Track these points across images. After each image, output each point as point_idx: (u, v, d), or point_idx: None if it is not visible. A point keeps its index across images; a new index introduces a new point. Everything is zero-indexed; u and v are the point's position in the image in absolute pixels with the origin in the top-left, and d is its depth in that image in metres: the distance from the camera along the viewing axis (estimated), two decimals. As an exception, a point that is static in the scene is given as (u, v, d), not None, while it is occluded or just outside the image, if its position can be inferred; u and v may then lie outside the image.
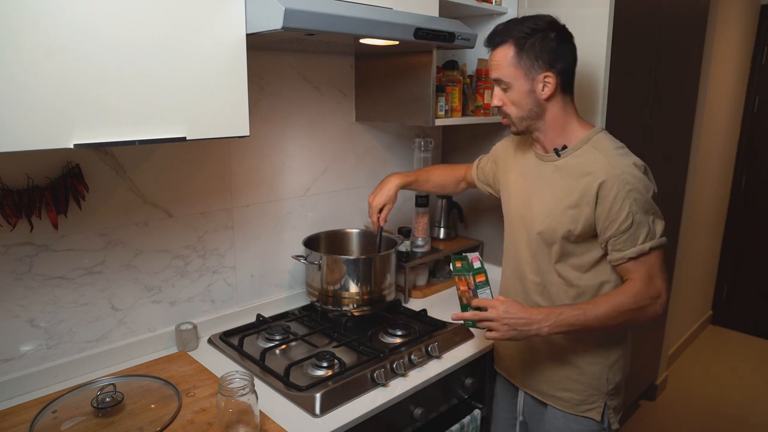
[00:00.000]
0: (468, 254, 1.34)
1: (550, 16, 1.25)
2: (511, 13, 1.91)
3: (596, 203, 1.21)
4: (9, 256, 1.22)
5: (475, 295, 1.29)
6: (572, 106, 1.29)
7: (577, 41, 1.60)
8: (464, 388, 1.58)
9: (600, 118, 1.76)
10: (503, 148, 1.52)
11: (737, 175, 3.86)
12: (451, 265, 1.35)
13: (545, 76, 1.22)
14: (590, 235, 1.25)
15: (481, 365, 1.61)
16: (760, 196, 3.77)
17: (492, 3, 1.87)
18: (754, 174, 3.79)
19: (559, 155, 1.29)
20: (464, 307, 1.32)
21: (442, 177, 1.71)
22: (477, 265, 1.31)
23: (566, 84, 1.25)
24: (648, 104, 2.24)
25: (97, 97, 0.97)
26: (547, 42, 1.20)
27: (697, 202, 3.17)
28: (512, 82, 1.24)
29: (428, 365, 1.46)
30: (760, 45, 3.65)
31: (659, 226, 1.21)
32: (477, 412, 1.60)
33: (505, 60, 1.23)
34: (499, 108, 1.31)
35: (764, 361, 3.58)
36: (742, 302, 3.93)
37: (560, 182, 1.27)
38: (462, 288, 1.32)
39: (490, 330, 1.23)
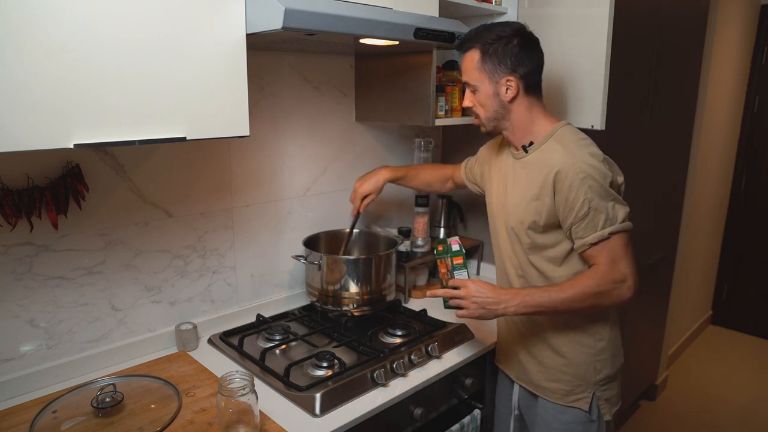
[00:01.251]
0: (449, 238, 1.40)
1: (517, 24, 1.31)
2: (511, 13, 1.91)
3: (554, 193, 1.25)
4: (9, 256, 1.23)
5: (452, 276, 1.36)
6: (538, 105, 1.34)
7: (577, 41, 1.60)
8: (464, 388, 1.58)
9: (600, 118, 1.76)
10: (488, 149, 1.57)
11: (737, 175, 3.86)
12: (435, 250, 1.41)
13: (507, 80, 1.28)
14: (555, 225, 1.29)
15: (481, 365, 1.61)
16: (760, 196, 3.77)
17: (492, 3, 1.87)
18: (754, 174, 3.79)
19: (526, 151, 1.34)
20: (444, 288, 1.36)
21: (430, 175, 1.75)
22: (455, 248, 1.38)
23: (530, 86, 1.31)
24: (648, 104, 2.24)
25: (97, 97, 0.97)
26: (509, 48, 1.27)
27: (697, 202, 3.17)
28: (478, 85, 1.32)
29: (428, 365, 1.46)
30: (760, 45, 3.65)
31: (621, 212, 1.24)
32: (477, 412, 1.60)
33: (471, 64, 1.31)
34: (470, 109, 1.38)
35: (764, 361, 3.58)
36: (742, 302, 3.93)
37: (527, 177, 1.33)
38: (442, 270, 1.40)
39: (460, 308, 1.29)
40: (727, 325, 4.02)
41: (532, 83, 1.31)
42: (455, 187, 1.76)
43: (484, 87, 1.31)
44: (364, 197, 1.68)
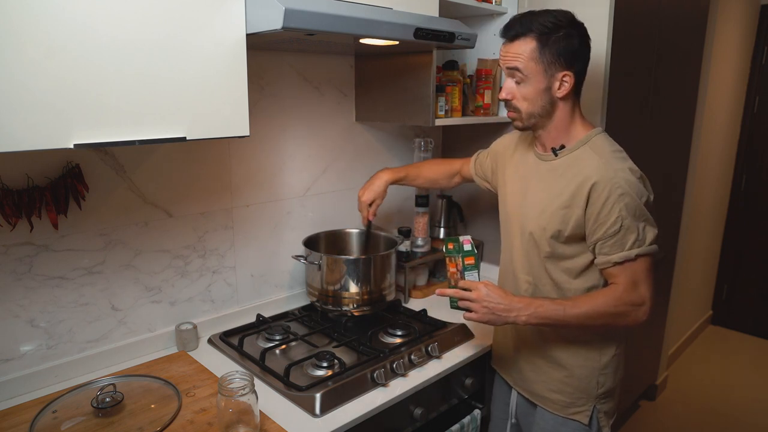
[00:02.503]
0: (460, 237, 1.36)
1: (570, 13, 1.21)
2: (512, 13, 1.91)
3: (587, 204, 1.20)
4: (9, 256, 1.23)
5: (462, 277, 1.31)
6: (578, 108, 1.28)
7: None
8: (464, 388, 1.58)
9: (600, 118, 1.76)
10: (503, 144, 1.51)
11: (737, 175, 3.86)
12: (443, 246, 1.37)
13: (564, 75, 1.20)
14: (580, 237, 1.24)
15: (481, 365, 1.61)
16: (760, 196, 3.77)
17: (492, 3, 1.87)
18: (754, 174, 3.79)
19: (556, 155, 1.28)
20: (452, 288, 1.32)
21: (434, 172, 1.70)
22: (467, 247, 1.33)
23: (579, 85, 1.25)
24: (648, 104, 2.24)
25: (97, 97, 0.97)
26: (570, 40, 1.18)
27: (697, 202, 3.17)
28: (530, 76, 1.21)
29: (428, 365, 1.46)
30: (760, 45, 3.65)
31: (650, 234, 1.19)
32: (477, 412, 1.60)
33: (525, 52, 1.19)
34: (507, 102, 1.27)
35: (764, 361, 3.58)
36: (742, 302, 3.93)
37: (554, 182, 1.27)
38: (451, 269, 1.35)
39: (469, 311, 1.25)
40: (727, 325, 4.02)
41: (581, 82, 1.24)
42: (462, 181, 1.71)
43: (536, 80, 1.20)
44: (370, 204, 1.64)
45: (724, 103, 3.36)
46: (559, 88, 1.21)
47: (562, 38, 1.18)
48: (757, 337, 3.87)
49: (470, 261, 1.33)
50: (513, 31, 1.22)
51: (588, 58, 1.24)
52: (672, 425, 2.88)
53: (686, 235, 3.00)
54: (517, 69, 1.22)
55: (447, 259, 1.35)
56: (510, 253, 1.41)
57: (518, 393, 1.47)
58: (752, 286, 3.87)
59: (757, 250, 3.81)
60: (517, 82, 1.24)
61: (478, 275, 1.32)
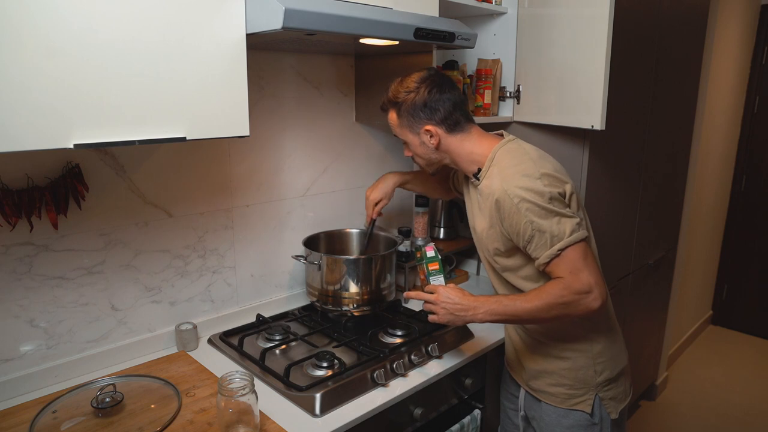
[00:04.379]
0: (424, 244, 1.45)
1: (423, 73, 1.33)
2: (511, 13, 1.91)
3: (501, 221, 1.27)
4: (9, 256, 1.23)
5: (429, 282, 1.42)
6: (470, 136, 1.34)
7: (577, 41, 1.59)
8: (464, 388, 1.58)
9: (600, 118, 1.76)
10: (462, 180, 1.57)
11: (737, 176, 3.86)
12: (415, 257, 1.48)
13: (426, 129, 1.32)
14: (516, 248, 1.30)
15: (481, 365, 1.61)
16: (760, 196, 3.77)
17: (492, 3, 1.87)
18: (754, 174, 3.79)
19: (478, 179, 1.34)
20: None
21: (437, 182, 1.74)
22: (430, 254, 1.43)
23: (452, 126, 1.32)
24: (648, 104, 2.24)
25: (97, 97, 0.97)
26: (418, 99, 1.30)
27: (697, 202, 3.17)
28: (405, 139, 1.38)
29: (428, 365, 1.46)
30: (760, 45, 3.65)
31: (568, 225, 1.21)
32: (477, 412, 1.60)
33: (393, 122, 1.38)
34: (412, 158, 1.43)
35: (764, 361, 3.58)
36: (742, 302, 3.93)
37: (482, 205, 1.34)
38: (422, 276, 1.47)
39: (432, 313, 1.32)
40: (727, 325, 4.02)
41: (453, 123, 1.32)
42: (459, 195, 1.74)
43: (410, 139, 1.36)
44: (376, 204, 1.69)
45: (724, 103, 3.36)
46: (430, 139, 1.33)
47: (411, 100, 1.31)
48: (757, 337, 3.87)
49: (434, 266, 1.43)
50: (381, 107, 1.40)
51: (449, 102, 1.31)
52: (672, 425, 2.88)
53: (686, 235, 3.00)
54: (397, 135, 1.39)
55: (418, 268, 1.47)
56: (487, 270, 1.48)
57: (525, 390, 1.50)
58: (752, 286, 3.87)
59: (757, 251, 3.81)
60: (405, 144, 1.40)
61: (443, 279, 1.40)
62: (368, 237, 1.77)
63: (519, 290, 1.36)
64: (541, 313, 1.23)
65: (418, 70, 1.36)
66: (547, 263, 1.22)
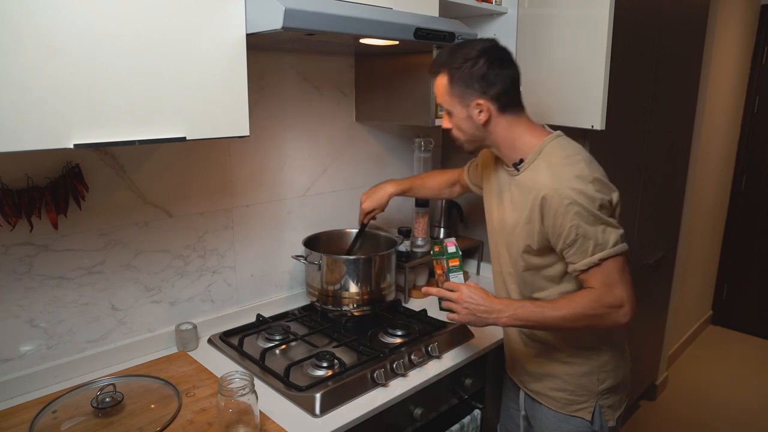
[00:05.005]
0: (446, 239, 1.39)
1: (486, 42, 1.26)
2: (512, 13, 1.91)
3: (542, 218, 1.22)
4: (9, 256, 1.23)
5: (447, 278, 1.36)
6: (520, 121, 1.28)
7: (577, 41, 1.59)
8: (464, 388, 1.58)
9: (600, 118, 1.76)
10: (485, 156, 1.52)
11: (737, 176, 3.86)
12: (431, 250, 1.42)
13: (477, 103, 1.24)
14: (549, 248, 1.26)
15: (481, 365, 1.61)
16: (760, 196, 3.77)
17: (492, 3, 1.87)
18: (754, 174, 3.79)
19: (518, 170, 1.29)
20: None
21: (437, 182, 1.73)
22: (451, 249, 1.38)
23: (505, 105, 1.25)
24: (648, 104, 2.24)
25: (97, 97, 0.97)
26: (476, 70, 1.22)
27: (697, 202, 3.17)
28: (451, 108, 1.28)
29: (428, 365, 1.46)
30: (760, 45, 3.65)
31: (612, 236, 1.18)
32: (477, 412, 1.60)
33: (441, 89, 1.27)
34: (450, 130, 1.34)
35: (764, 361, 3.58)
36: (742, 302, 3.93)
37: (519, 198, 1.29)
38: (438, 272, 1.41)
39: (451, 311, 1.27)
40: (727, 325, 4.02)
41: (507, 102, 1.25)
42: (463, 191, 1.72)
43: (456, 111, 1.27)
44: (368, 212, 1.68)
45: (724, 103, 3.36)
46: (479, 115, 1.24)
47: (468, 69, 1.22)
48: (757, 337, 3.87)
49: (454, 263, 1.37)
50: (431, 69, 1.30)
51: (508, 79, 1.24)
52: (672, 425, 2.88)
53: (686, 235, 3.00)
54: (441, 104, 1.30)
55: (434, 262, 1.42)
56: (498, 264, 1.43)
57: (525, 392, 1.49)
58: (752, 286, 3.87)
59: (757, 250, 3.81)
60: (449, 114, 1.31)
61: (463, 276, 1.36)
62: (357, 238, 1.77)
63: (535, 289, 1.33)
64: (567, 323, 1.21)
65: (473, 41, 1.27)
66: (584, 270, 1.19)
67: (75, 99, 0.94)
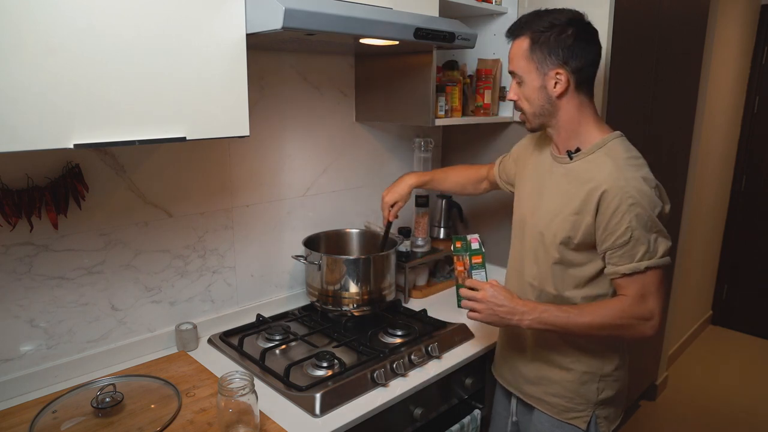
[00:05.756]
0: (469, 235, 1.37)
1: (575, 12, 1.20)
2: (511, 13, 1.91)
3: (596, 212, 1.17)
4: (9, 256, 1.22)
5: (469, 275, 1.33)
6: (590, 108, 1.24)
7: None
8: (464, 388, 1.58)
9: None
10: (523, 146, 1.49)
11: (737, 176, 3.86)
12: (452, 245, 1.39)
13: (557, 73, 1.18)
14: (590, 244, 1.21)
15: (481, 365, 1.61)
16: (760, 197, 3.77)
17: (492, 3, 1.87)
18: (754, 174, 3.79)
19: (571, 158, 1.25)
20: (459, 287, 1.34)
21: (462, 176, 1.69)
22: (475, 246, 1.35)
23: (582, 82, 1.20)
24: (648, 104, 2.24)
25: (97, 97, 0.97)
26: (562, 38, 1.16)
27: (697, 202, 3.17)
28: (524, 75, 1.22)
29: (428, 365, 1.46)
30: (760, 45, 3.65)
31: (662, 246, 1.15)
32: (477, 412, 1.60)
33: (519, 52, 1.21)
34: (514, 103, 1.28)
35: (764, 361, 3.58)
36: (742, 302, 3.93)
37: (567, 186, 1.24)
38: (459, 268, 1.37)
39: (473, 310, 1.24)
40: (727, 325, 4.02)
41: (584, 79, 1.20)
42: (490, 187, 1.67)
43: (530, 78, 1.20)
44: (392, 206, 1.65)
45: (724, 103, 3.36)
46: (554, 86, 1.19)
47: (554, 35, 1.17)
48: (757, 337, 3.87)
49: (477, 260, 1.34)
50: (513, 31, 1.24)
51: (591, 56, 1.20)
52: (672, 425, 2.88)
53: (686, 235, 3.00)
54: (514, 70, 1.24)
55: (455, 258, 1.37)
56: (519, 253, 1.38)
57: (517, 397, 1.46)
58: (752, 286, 3.87)
59: (757, 250, 3.81)
60: (518, 83, 1.24)
61: (485, 275, 1.33)
62: (384, 239, 1.74)
63: (552, 292, 1.28)
64: (593, 330, 1.19)
65: (561, 9, 1.21)
66: (627, 275, 1.16)
67: (75, 97, 0.94)
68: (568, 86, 1.19)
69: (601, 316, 1.18)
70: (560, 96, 1.20)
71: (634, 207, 1.13)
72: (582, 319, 1.18)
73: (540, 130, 1.31)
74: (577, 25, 1.18)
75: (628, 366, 1.39)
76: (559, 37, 1.17)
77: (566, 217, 1.22)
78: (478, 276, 1.32)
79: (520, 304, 1.21)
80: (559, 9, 1.22)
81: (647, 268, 1.15)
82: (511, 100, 1.28)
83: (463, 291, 1.27)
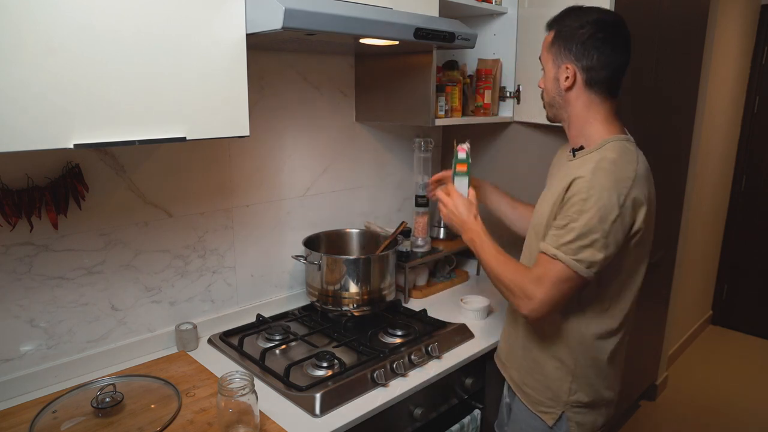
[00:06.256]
0: (460, 143, 1.45)
1: (604, 14, 1.22)
2: (511, 13, 1.91)
3: (563, 199, 1.18)
4: (9, 256, 1.22)
5: (452, 181, 1.45)
6: (601, 108, 1.24)
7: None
8: (464, 388, 1.58)
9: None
10: (557, 155, 1.49)
11: (737, 176, 3.86)
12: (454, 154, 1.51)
13: (566, 67, 1.23)
14: None
15: (481, 365, 1.61)
16: (760, 197, 3.77)
17: (492, 3, 1.87)
18: (754, 174, 3.80)
19: (574, 155, 1.27)
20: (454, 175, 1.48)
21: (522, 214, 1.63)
22: (461, 156, 1.44)
23: (593, 82, 1.22)
24: (648, 104, 2.24)
25: (97, 97, 0.97)
26: (579, 34, 1.21)
27: (697, 202, 3.17)
28: (545, 65, 1.29)
29: (428, 365, 1.46)
30: (760, 45, 3.65)
31: (587, 253, 1.12)
32: (477, 412, 1.60)
33: (545, 43, 1.29)
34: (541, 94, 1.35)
35: (764, 361, 3.58)
36: (742, 302, 3.93)
37: (559, 183, 1.24)
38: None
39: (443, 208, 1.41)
40: (727, 325, 4.02)
41: (596, 80, 1.21)
42: None
43: (548, 69, 1.28)
44: (437, 180, 1.61)
45: (724, 103, 3.36)
46: (564, 80, 1.24)
47: (572, 30, 1.22)
48: (757, 337, 3.87)
49: (461, 168, 1.44)
50: (547, 22, 1.30)
51: (606, 58, 1.20)
52: (672, 425, 2.88)
53: (686, 235, 3.00)
54: (540, 59, 1.31)
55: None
56: (525, 251, 1.40)
57: (507, 380, 1.47)
58: (752, 286, 3.87)
59: (757, 251, 3.81)
60: (542, 71, 1.31)
61: (468, 182, 1.43)
62: (394, 238, 1.74)
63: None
64: (491, 275, 1.28)
65: (595, 8, 1.24)
66: (541, 252, 1.18)
67: (75, 97, 0.94)
68: (574, 82, 1.23)
69: (502, 269, 1.25)
70: (568, 90, 1.25)
71: (588, 201, 1.12)
72: (491, 260, 1.28)
73: (555, 121, 1.35)
74: (599, 25, 1.20)
75: (627, 365, 1.39)
76: (576, 33, 1.21)
77: (550, 215, 1.24)
78: (459, 182, 1.43)
79: (470, 220, 1.35)
80: (594, 8, 1.26)
81: (556, 258, 1.14)
82: (539, 87, 1.35)
83: (438, 192, 1.44)
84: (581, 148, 1.26)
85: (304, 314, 1.72)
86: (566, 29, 1.23)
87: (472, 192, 1.42)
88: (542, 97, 1.34)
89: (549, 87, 1.29)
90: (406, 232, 1.91)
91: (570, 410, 1.30)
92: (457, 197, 1.39)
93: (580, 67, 1.22)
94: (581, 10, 1.25)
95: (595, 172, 1.14)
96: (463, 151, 1.43)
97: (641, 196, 1.16)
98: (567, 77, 1.23)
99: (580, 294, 1.22)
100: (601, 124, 1.24)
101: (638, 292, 1.30)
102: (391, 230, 1.93)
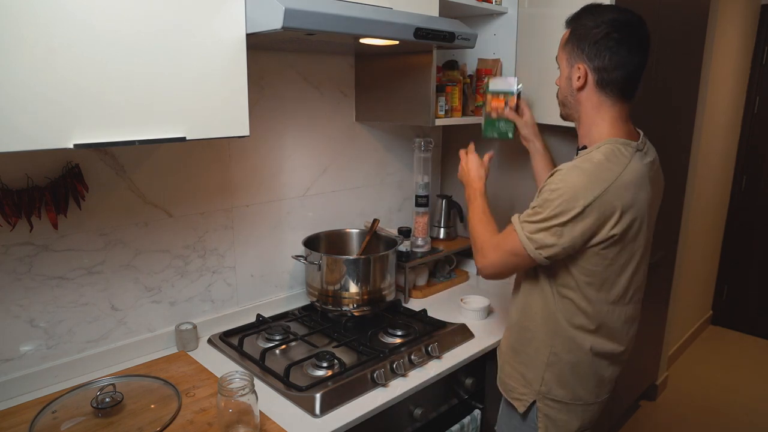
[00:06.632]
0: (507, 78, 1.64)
1: (621, 14, 1.20)
2: (511, 13, 1.91)
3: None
4: (9, 256, 1.22)
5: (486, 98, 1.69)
6: (611, 110, 1.23)
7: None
8: (464, 388, 1.58)
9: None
10: None
11: (737, 176, 3.86)
12: (484, 86, 1.69)
13: (578, 66, 1.23)
14: None
15: (481, 365, 1.61)
16: (760, 197, 3.77)
17: (492, 3, 1.87)
18: (754, 174, 3.79)
19: (577, 154, 1.26)
20: (489, 122, 1.72)
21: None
22: (505, 87, 1.67)
23: (606, 84, 1.21)
24: (648, 104, 2.24)
25: (98, 97, 0.97)
26: (592, 34, 1.20)
27: (697, 202, 3.17)
28: (560, 63, 1.30)
29: (428, 365, 1.46)
30: (760, 45, 3.65)
31: (540, 236, 1.15)
32: (477, 412, 1.60)
33: (561, 42, 1.29)
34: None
35: (764, 361, 3.58)
36: (742, 302, 3.93)
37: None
38: (493, 104, 1.70)
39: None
40: (727, 325, 4.02)
41: (609, 81, 1.20)
42: None
43: (562, 67, 1.28)
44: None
45: (724, 103, 3.36)
46: (577, 80, 1.24)
47: (587, 30, 1.21)
48: (757, 337, 3.87)
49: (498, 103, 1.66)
50: (566, 21, 1.30)
51: (620, 59, 1.18)
52: (672, 425, 2.88)
53: (686, 235, 3.00)
54: (556, 57, 1.31)
55: (490, 96, 1.69)
56: None
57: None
58: (752, 286, 3.87)
59: (757, 251, 3.81)
60: (559, 69, 1.32)
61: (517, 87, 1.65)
62: (367, 239, 1.76)
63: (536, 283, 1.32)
64: (470, 228, 1.37)
65: (613, 7, 1.24)
66: (510, 224, 1.24)
67: (75, 97, 0.94)
68: (585, 82, 1.23)
69: (479, 226, 1.34)
70: (580, 90, 1.25)
71: (552, 194, 1.14)
72: (473, 217, 1.38)
73: (567, 120, 1.35)
74: (614, 24, 1.18)
75: (627, 365, 1.39)
76: (590, 32, 1.20)
77: None
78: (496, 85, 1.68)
79: (476, 179, 1.45)
80: (611, 6, 1.27)
81: (515, 231, 1.21)
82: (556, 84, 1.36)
83: (461, 150, 1.55)
84: (585, 147, 1.26)
85: (304, 314, 1.72)
86: (581, 28, 1.22)
87: (487, 156, 1.52)
88: (557, 96, 1.34)
89: (562, 86, 1.29)
90: (405, 232, 1.91)
91: (542, 401, 1.30)
92: (473, 157, 1.49)
93: (592, 68, 1.21)
94: (597, 9, 1.23)
95: (572, 168, 1.16)
96: (513, 82, 1.65)
97: (618, 202, 1.13)
98: (579, 77, 1.23)
99: (556, 281, 1.24)
100: (607, 126, 1.23)
101: (621, 300, 1.25)
102: (392, 230, 1.93)
